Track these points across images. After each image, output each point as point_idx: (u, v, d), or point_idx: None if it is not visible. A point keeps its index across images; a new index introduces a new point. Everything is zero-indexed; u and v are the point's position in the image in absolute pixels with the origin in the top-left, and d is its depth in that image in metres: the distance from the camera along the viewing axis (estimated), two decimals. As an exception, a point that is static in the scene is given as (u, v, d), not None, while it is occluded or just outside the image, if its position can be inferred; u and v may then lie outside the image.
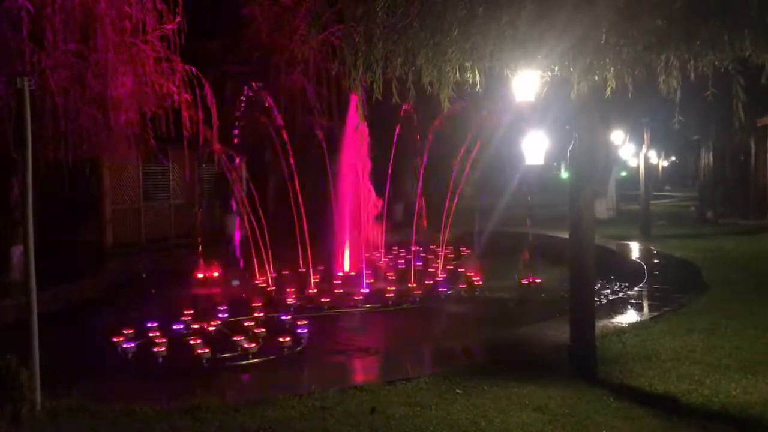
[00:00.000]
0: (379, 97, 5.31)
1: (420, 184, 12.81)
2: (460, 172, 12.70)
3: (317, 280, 11.50)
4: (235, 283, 12.26)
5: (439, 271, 12.31)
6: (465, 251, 14.76)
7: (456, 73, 5.41)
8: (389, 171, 12.77)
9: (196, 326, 8.65)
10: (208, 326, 8.54)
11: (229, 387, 6.26)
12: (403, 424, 5.02)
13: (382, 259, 13.32)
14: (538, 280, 11.61)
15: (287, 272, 12.33)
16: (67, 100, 9.80)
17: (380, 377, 6.34)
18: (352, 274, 12.20)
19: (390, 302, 10.19)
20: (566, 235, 6.45)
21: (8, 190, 11.33)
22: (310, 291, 10.89)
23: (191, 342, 7.68)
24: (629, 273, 12.06)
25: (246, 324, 8.49)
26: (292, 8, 16.70)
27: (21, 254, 10.02)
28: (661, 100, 5.94)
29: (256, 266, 11.96)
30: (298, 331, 8.18)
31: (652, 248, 14.43)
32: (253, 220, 11.81)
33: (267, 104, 11.55)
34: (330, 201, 12.53)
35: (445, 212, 12.74)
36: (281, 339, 7.78)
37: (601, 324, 7.32)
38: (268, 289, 11.30)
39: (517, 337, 7.74)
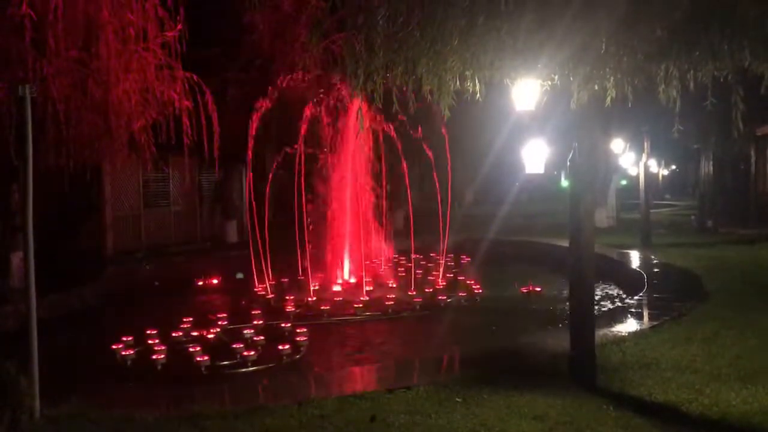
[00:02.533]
0: (380, 106, 5.33)
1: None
2: (461, 180, 12.71)
3: (317, 288, 11.49)
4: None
5: (439, 279, 12.31)
6: (465, 259, 14.76)
7: (456, 82, 5.43)
8: (390, 179, 12.79)
9: (195, 334, 8.65)
10: (207, 334, 8.55)
11: (229, 395, 6.25)
12: (403, 432, 5.02)
13: (382, 267, 13.32)
14: (538, 289, 11.61)
15: (287, 280, 12.34)
16: (69, 107, 9.81)
17: (380, 385, 6.33)
18: (352, 281, 12.20)
19: (390, 310, 10.19)
20: (566, 244, 6.45)
21: (9, 196, 11.34)
22: (310, 299, 10.89)
23: (190, 349, 7.69)
24: (629, 282, 12.05)
25: (245, 331, 8.49)
26: (294, 16, 16.76)
27: (21, 261, 10.02)
28: (661, 109, 5.96)
29: (255, 274, 11.97)
30: (298, 338, 8.19)
31: (652, 257, 14.41)
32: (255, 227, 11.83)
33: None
34: (330, 208, 12.54)
35: (447, 220, 12.74)
36: (280, 347, 7.79)
37: (600, 333, 7.31)
38: (268, 296, 11.31)
39: (517, 346, 7.72)
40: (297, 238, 11.74)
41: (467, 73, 5.35)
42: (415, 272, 12.68)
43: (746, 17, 4.27)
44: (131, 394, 6.43)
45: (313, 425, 5.17)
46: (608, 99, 5.47)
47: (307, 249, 11.58)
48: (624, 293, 11.50)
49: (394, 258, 14.12)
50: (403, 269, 13.07)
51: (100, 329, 9.55)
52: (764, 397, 5.62)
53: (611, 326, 8.10)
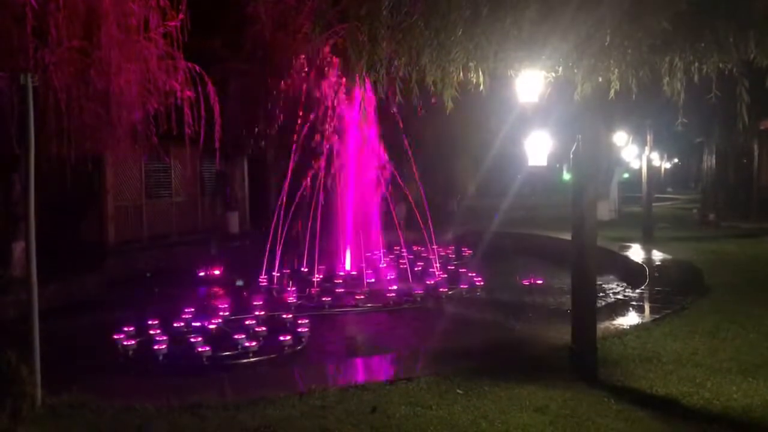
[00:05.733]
0: (383, 97, 5.31)
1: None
2: (463, 173, 12.71)
3: (318, 279, 11.50)
4: (238, 282, 12.29)
5: (441, 272, 12.30)
6: (467, 251, 14.75)
7: (460, 73, 5.40)
8: (393, 171, 12.76)
9: (197, 324, 8.66)
10: (209, 324, 8.55)
11: (230, 385, 6.25)
12: (404, 423, 5.02)
13: (384, 259, 13.32)
14: (539, 281, 11.60)
15: (289, 271, 12.33)
16: (70, 97, 9.78)
17: (381, 376, 6.34)
18: (354, 273, 12.20)
19: (391, 302, 10.20)
20: (568, 237, 6.44)
21: (10, 186, 11.34)
22: (312, 290, 10.90)
23: (192, 340, 7.70)
24: (631, 275, 12.05)
25: (247, 322, 8.50)
26: (296, 7, 16.68)
27: (22, 250, 10.02)
28: (664, 102, 5.92)
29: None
30: (299, 329, 8.20)
31: (654, 250, 14.40)
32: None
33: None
34: (333, 200, 12.53)
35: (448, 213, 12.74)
36: (282, 337, 7.79)
37: (602, 325, 7.31)
38: (270, 287, 11.31)
39: (518, 338, 7.73)
40: (300, 230, 11.73)
41: (471, 64, 5.31)
42: (416, 264, 12.69)
43: (752, 8, 4.23)
44: (132, 384, 6.43)
45: (314, 416, 5.17)
46: (612, 91, 5.43)
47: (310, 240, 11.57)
48: (626, 286, 11.49)
49: (396, 250, 14.12)
50: (404, 261, 13.06)
51: (101, 319, 9.56)
52: (765, 390, 5.62)
53: (613, 319, 8.10)
